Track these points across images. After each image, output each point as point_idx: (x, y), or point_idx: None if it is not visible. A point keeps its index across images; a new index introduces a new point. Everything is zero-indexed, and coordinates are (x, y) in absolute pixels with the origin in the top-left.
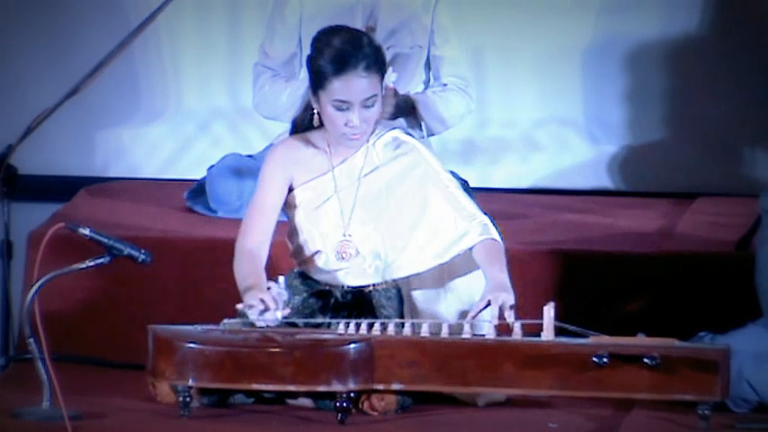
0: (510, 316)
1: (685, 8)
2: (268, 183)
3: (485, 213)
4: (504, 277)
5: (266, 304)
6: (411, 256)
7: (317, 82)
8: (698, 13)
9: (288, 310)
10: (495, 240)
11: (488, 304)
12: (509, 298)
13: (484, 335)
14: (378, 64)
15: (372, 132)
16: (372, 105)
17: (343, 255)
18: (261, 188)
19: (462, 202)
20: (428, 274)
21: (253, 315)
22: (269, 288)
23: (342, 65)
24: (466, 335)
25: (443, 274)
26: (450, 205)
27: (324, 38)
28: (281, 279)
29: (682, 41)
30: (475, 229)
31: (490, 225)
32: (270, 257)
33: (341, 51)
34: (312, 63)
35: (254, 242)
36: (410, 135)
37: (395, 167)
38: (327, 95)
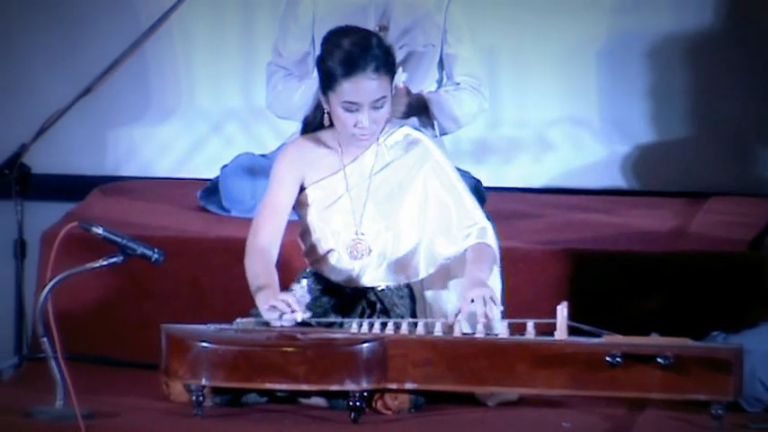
0: (492, 309)
1: (699, 7)
2: (279, 182)
3: (488, 217)
4: (480, 275)
5: (292, 307)
6: (424, 254)
7: (327, 83)
8: (711, 12)
9: (308, 314)
10: (488, 246)
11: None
12: (487, 292)
13: (497, 334)
14: (387, 65)
15: (383, 130)
16: (382, 107)
17: (356, 253)
18: (272, 187)
19: (467, 203)
20: (438, 274)
21: (273, 316)
22: (291, 290)
23: (351, 67)
24: (479, 334)
25: (450, 275)
26: (454, 206)
27: (333, 39)
28: (305, 282)
29: (695, 40)
30: (473, 234)
31: (489, 230)
32: (281, 256)
33: (350, 53)
34: (321, 64)
35: (266, 241)
36: (420, 132)
37: (405, 164)
38: (337, 97)
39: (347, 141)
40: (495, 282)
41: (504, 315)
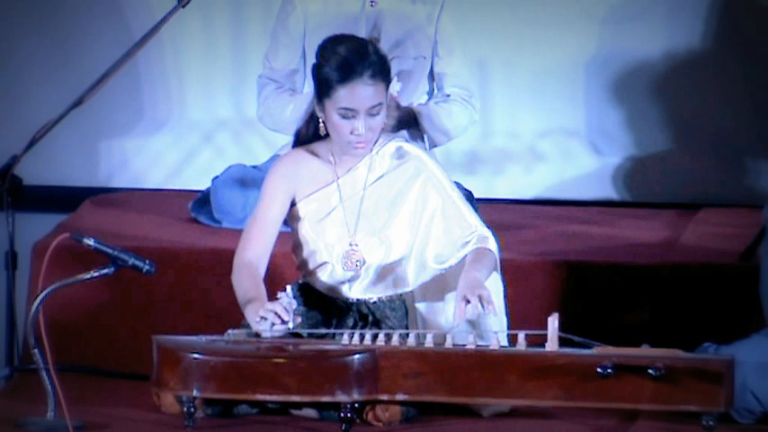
0: (490, 309)
1: (689, 20)
2: (270, 196)
3: (487, 225)
4: (478, 275)
5: (281, 316)
6: (413, 266)
7: (323, 90)
8: (702, 25)
9: (299, 319)
10: (489, 250)
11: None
12: (484, 292)
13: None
14: (383, 72)
15: (377, 142)
16: (378, 114)
17: (350, 264)
18: (263, 201)
19: (464, 212)
20: (432, 285)
21: (264, 327)
22: (278, 299)
23: (347, 73)
24: (470, 345)
25: (446, 285)
26: (451, 216)
27: (329, 46)
28: (289, 288)
29: (685, 53)
30: (473, 241)
31: (490, 237)
32: (273, 268)
33: (346, 59)
34: (318, 71)
35: (254, 255)
36: (413, 144)
37: (399, 177)
38: (333, 103)
39: (342, 151)
40: (496, 287)
41: (510, 324)
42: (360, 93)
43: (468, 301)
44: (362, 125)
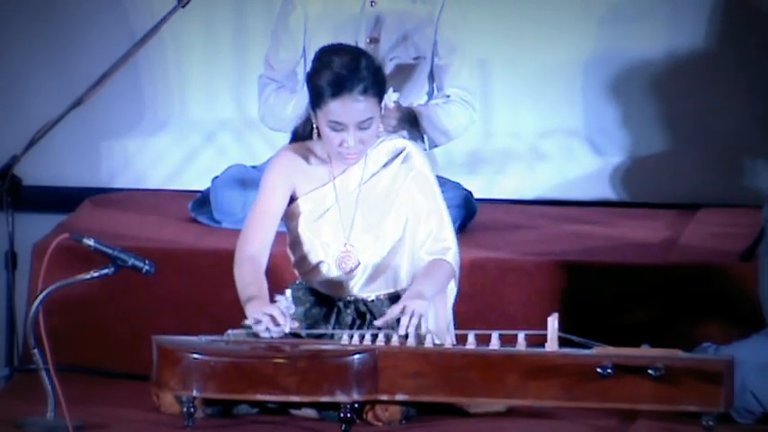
0: (421, 325)
1: (690, 20)
2: (270, 190)
3: (457, 234)
4: (422, 288)
5: (276, 320)
6: (407, 262)
7: (315, 101)
8: (702, 25)
9: (295, 324)
10: (447, 262)
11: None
12: (420, 306)
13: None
14: (375, 86)
15: (371, 146)
16: (368, 127)
17: (345, 265)
18: (262, 195)
19: (444, 218)
20: None
21: (260, 328)
22: (275, 301)
23: (338, 88)
24: (470, 345)
25: None
26: (433, 219)
27: (324, 57)
28: (288, 292)
29: (686, 53)
30: (438, 251)
31: (453, 251)
32: (272, 269)
33: (337, 74)
34: (311, 81)
35: (255, 249)
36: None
37: (391, 173)
38: (324, 115)
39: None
40: (448, 295)
41: (456, 326)
42: (349, 108)
43: (404, 311)
44: (352, 138)
